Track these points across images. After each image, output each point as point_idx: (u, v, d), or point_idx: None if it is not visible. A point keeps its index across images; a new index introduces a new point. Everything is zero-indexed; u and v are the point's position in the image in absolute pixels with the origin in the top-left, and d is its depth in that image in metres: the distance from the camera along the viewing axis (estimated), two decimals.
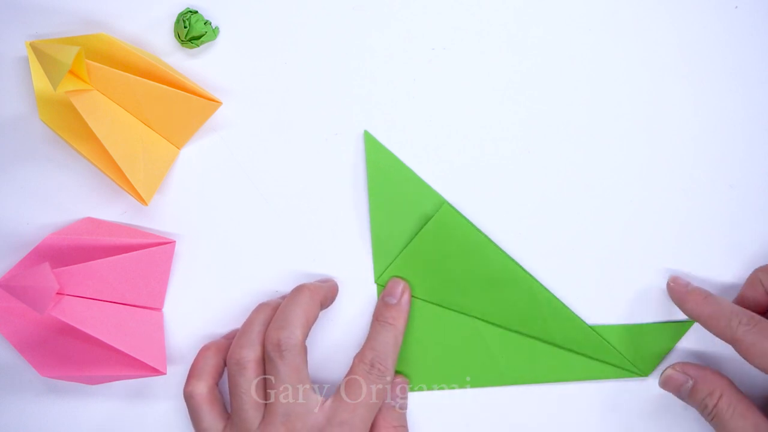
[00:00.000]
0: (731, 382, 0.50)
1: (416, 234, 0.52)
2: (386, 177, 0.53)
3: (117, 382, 0.54)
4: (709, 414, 0.49)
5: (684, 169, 0.54)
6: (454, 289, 0.52)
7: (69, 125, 0.53)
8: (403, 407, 0.53)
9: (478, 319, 0.53)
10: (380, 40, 0.54)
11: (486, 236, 0.53)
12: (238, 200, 0.55)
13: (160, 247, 0.53)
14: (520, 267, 0.53)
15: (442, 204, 0.52)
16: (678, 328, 0.52)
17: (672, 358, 0.53)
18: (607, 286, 0.53)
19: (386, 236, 0.53)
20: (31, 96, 0.55)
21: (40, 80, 0.53)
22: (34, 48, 0.52)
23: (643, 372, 0.52)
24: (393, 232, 0.53)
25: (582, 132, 0.54)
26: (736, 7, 0.54)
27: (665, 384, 0.51)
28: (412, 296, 0.53)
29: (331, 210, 0.54)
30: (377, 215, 0.53)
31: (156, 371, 0.52)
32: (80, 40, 0.52)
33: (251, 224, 0.55)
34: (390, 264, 0.53)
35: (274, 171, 0.55)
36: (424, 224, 0.52)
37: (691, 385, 0.50)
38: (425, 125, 0.54)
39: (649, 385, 0.53)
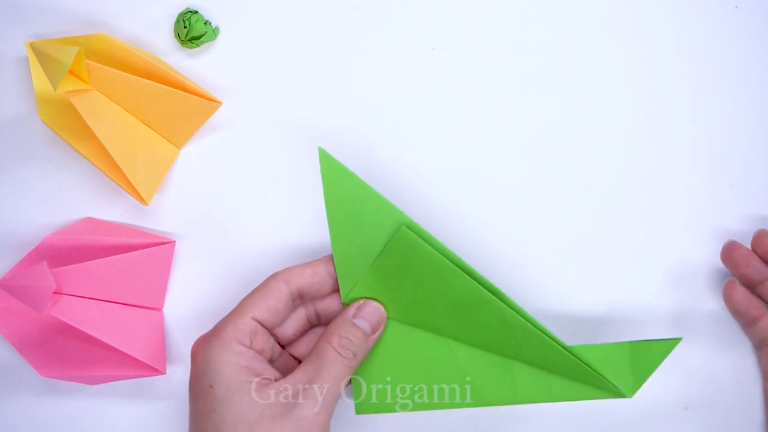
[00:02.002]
0: None
1: (379, 254, 0.49)
2: (344, 195, 0.49)
3: (117, 382, 0.54)
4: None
5: (684, 169, 0.54)
6: (423, 310, 0.50)
7: (69, 125, 0.53)
8: (364, 326, 0.49)
9: (450, 338, 0.50)
10: (380, 40, 0.54)
11: (446, 259, 0.48)
12: (238, 200, 0.55)
13: (160, 247, 0.53)
14: (487, 290, 0.48)
15: (401, 225, 0.48)
16: (664, 346, 0.49)
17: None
18: (607, 286, 0.53)
19: (350, 255, 0.49)
20: (31, 96, 0.55)
21: (40, 80, 0.53)
22: (34, 48, 0.52)
23: (627, 393, 0.49)
24: (356, 252, 0.49)
25: (582, 132, 0.54)
26: (736, 7, 0.54)
27: (737, 302, 0.52)
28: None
29: None
30: (338, 235, 0.49)
31: (156, 371, 0.52)
32: (80, 40, 0.52)
33: (251, 224, 0.55)
34: (356, 284, 0.50)
35: (274, 171, 0.55)
36: (386, 244, 0.49)
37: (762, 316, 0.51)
38: (425, 125, 0.54)
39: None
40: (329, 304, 0.50)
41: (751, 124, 0.53)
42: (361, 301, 0.49)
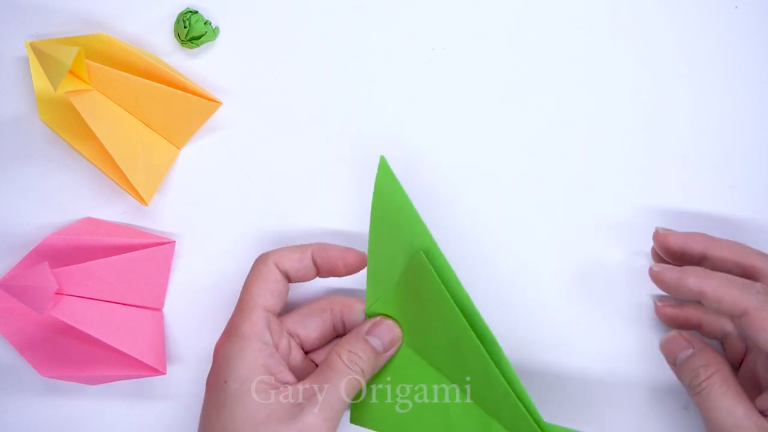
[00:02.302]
0: (731, 368, 0.47)
1: (401, 274, 0.49)
2: (389, 207, 0.48)
3: (117, 382, 0.54)
4: (699, 385, 0.46)
5: (684, 169, 0.54)
6: (424, 340, 0.49)
7: (69, 125, 0.53)
8: (376, 344, 0.49)
9: (445, 377, 0.49)
10: (380, 40, 0.54)
11: (449, 295, 0.46)
12: (238, 200, 0.55)
13: (160, 247, 0.53)
14: (481, 338, 0.46)
15: (428, 248, 0.47)
16: None
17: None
18: (607, 285, 0.53)
19: (381, 268, 0.49)
20: (31, 96, 0.55)
21: (40, 80, 0.53)
22: (34, 48, 0.52)
23: None
24: (388, 266, 0.49)
25: (582, 132, 0.54)
26: (736, 7, 0.54)
27: (666, 346, 0.48)
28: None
29: (331, 210, 0.54)
30: (375, 244, 0.49)
31: (156, 371, 0.52)
32: (80, 40, 0.52)
33: (251, 224, 0.55)
34: (379, 298, 0.50)
35: (274, 171, 0.55)
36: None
37: (690, 353, 0.47)
38: (425, 125, 0.54)
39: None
40: (355, 315, 0.51)
41: (751, 124, 0.53)
42: (378, 318, 0.50)
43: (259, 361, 0.47)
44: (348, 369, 0.48)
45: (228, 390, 0.46)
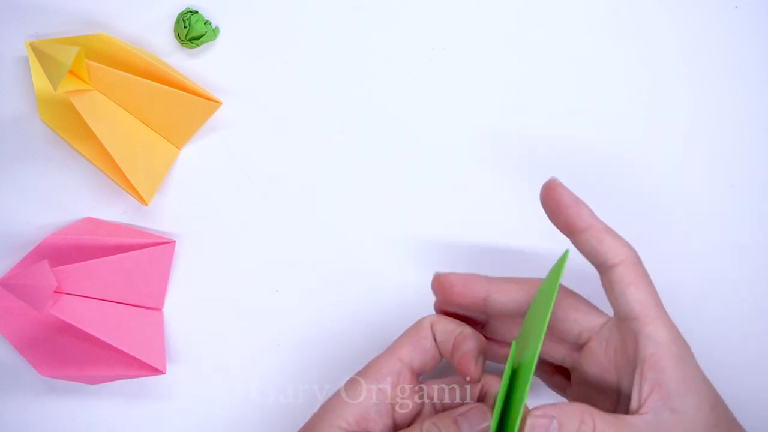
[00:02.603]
0: (592, 407, 0.44)
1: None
2: (548, 287, 0.46)
3: (117, 382, 0.54)
4: None
5: (684, 169, 0.54)
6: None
7: (69, 125, 0.53)
8: (463, 426, 0.46)
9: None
10: (380, 40, 0.54)
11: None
12: (238, 200, 0.55)
13: (160, 246, 0.53)
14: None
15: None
16: None
17: None
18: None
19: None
20: (31, 96, 0.55)
21: (40, 80, 0.53)
22: (34, 48, 0.52)
23: None
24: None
25: (582, 132, 0.54)
26: (736, 7, 0.54)
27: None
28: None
29: (331, 210, 0.54)
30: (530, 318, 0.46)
31: (156, 371, 0.52)
32: (80, 40, 0.52)
33: (251, 224, 0.55)
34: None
35: (274, 171, 0.55)
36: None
37: (557, 426, 0.44)
38: (425, 125, 0.54)
39: None
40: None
41: (751, 124, 0.53)
42: (476, 404, 0.47)
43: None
44: None
45: None
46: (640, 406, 0.44)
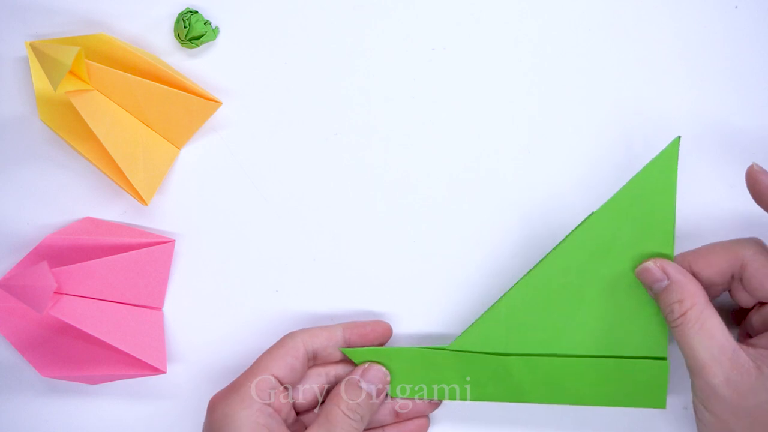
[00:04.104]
0: (707, 297, 0.46)
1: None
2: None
3: (117, 381, 0.54)
4: (674, 321, 0.46)
5: (684, 169, 0.54)
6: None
7: (69, 125, 0.53)
8: (369, 389, 0.50)
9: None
10: (380, 40, 0.54)
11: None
12: (238, 200, 0.55)
13: (160, 246, 0.54)
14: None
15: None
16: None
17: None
18: None
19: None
20: (31, 96, 0.55)
21: (40, 80, 0.53)
22: (34, 48, 0.52)
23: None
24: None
25: (582, 132, 0.54)
26: (736, 7, 0.54)
27: (640, 274, 0.48)
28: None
29: (331, 210, 0.54)
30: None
31: (156, 370, 0.52)
32: (80, 40, 0.52)
33: (251, 224, 0.55)
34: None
35: (274, 171, 0.55)
36: None
37: (665, 285, 0.47)
38: (425, 125, 0.54)
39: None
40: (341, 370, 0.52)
41: (751, 124, 0.53)
42: (367, 365, 0.50)
43: (260, 420, 0.48)
44: (347, 419, 0.48)
45: None
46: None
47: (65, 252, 0.53)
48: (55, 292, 0.50)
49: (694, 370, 0.45)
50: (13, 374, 0.55)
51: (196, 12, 0.54)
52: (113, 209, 0.55)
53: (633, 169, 0.54)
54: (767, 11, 0.53)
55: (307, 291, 0.54)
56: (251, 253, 0.55)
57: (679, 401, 0.52)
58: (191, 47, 0.54)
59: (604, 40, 0.54)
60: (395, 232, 0.54)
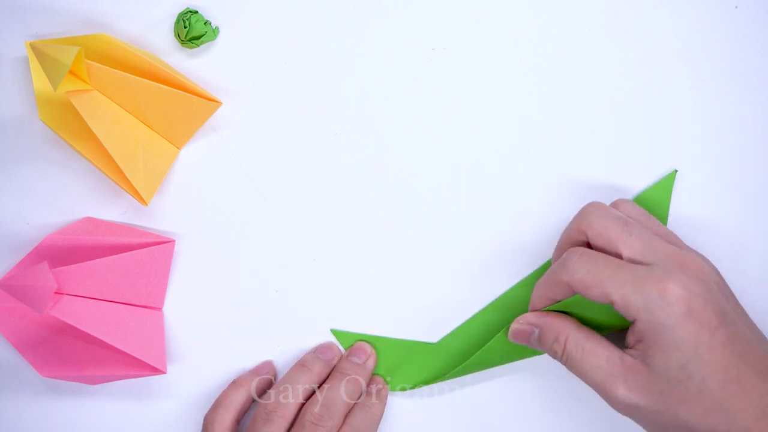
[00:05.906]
0: (576, 323, 0.47)
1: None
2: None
3: (117, 382, 0.54)
4: (561, 359, 0.47)
5: (684, 169, 0.54)
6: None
7: (69, 125, 0.53)
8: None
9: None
10: (380, 40, 0.54)
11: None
12: (238, 200, 0.55)
13: (160, 246, 0.54)
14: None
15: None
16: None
17: None
18: None
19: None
20: (31, 96, 0.55)
21: (40, 80, 0.53)
22: (34, 48, 0.52)
23: None
24: None
25: (582, 132, 0.54)
26: (736, 7, 0.54)
27: (514, 338, 0.49)
28: None
29: (331, 210, 0.54)
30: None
31: (156, 370, 0.52)
32: (80, 40, 0.52)
33: (251, 224, 0.55)
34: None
35: (274, 171, 0.55)
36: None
37: (538, 334, 0.48)
38: (425, 125, 0.54)
39: None
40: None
41: (751, 124, 0.53)
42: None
43: None
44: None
45: None
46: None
47: (65, 252, 0.53)
48: (55, 292, 0.50)
49: (599, 392, 0.46)
50: (13, 374, 0.55)
51: (196, 12, 0.54)
52: (113, 209, 0.55)
53: (633, 169, 0.54)
54: (767, 11, 0.53)
55: (307, 291, 0.55)
56: (251, 253, 0.55)
57: None
58: (191, 47, 0.54)
59: (604, 40, 0.54)
60: (395, 232, 0.54)
